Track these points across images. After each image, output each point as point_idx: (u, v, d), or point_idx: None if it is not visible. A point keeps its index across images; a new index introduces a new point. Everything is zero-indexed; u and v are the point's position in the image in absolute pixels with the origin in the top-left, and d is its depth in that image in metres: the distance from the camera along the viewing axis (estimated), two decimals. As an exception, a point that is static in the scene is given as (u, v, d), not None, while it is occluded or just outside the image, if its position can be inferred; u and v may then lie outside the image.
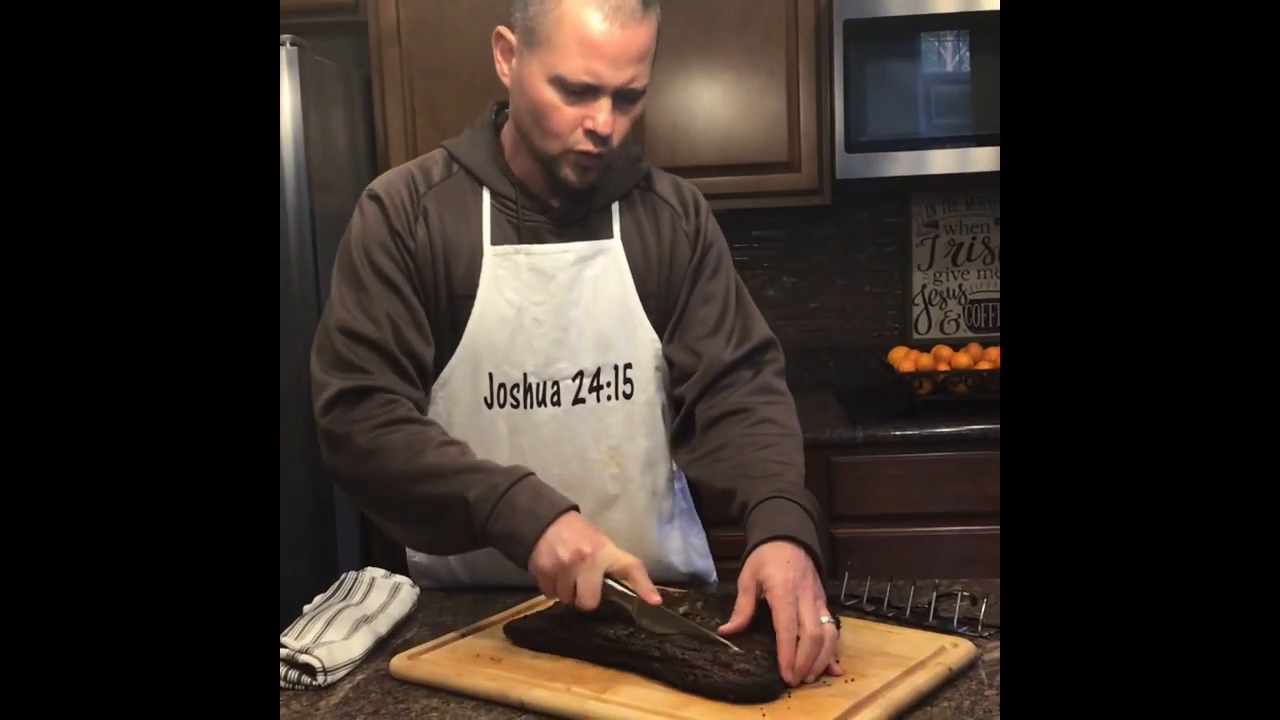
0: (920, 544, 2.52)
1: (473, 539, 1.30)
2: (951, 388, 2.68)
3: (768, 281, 3.15)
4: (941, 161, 2.66)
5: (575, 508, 1.27)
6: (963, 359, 2.81)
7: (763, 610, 1.18)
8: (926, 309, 3.14)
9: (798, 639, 1.12)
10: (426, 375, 1.43)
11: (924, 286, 3.13)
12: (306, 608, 1.40)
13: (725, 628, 1.17)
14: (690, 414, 1.47)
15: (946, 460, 2.52)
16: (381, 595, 1.42)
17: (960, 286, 3.12)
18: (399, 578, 1.47)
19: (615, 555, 1.22)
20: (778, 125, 2.76)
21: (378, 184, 1.46)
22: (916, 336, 3.13)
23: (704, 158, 2.78)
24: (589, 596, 1.20)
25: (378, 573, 1.47)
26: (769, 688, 1.09)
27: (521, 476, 1.28)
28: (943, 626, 1.28)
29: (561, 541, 1.22)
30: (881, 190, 3.04)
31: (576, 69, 1.32)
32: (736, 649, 1.13)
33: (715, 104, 2.77)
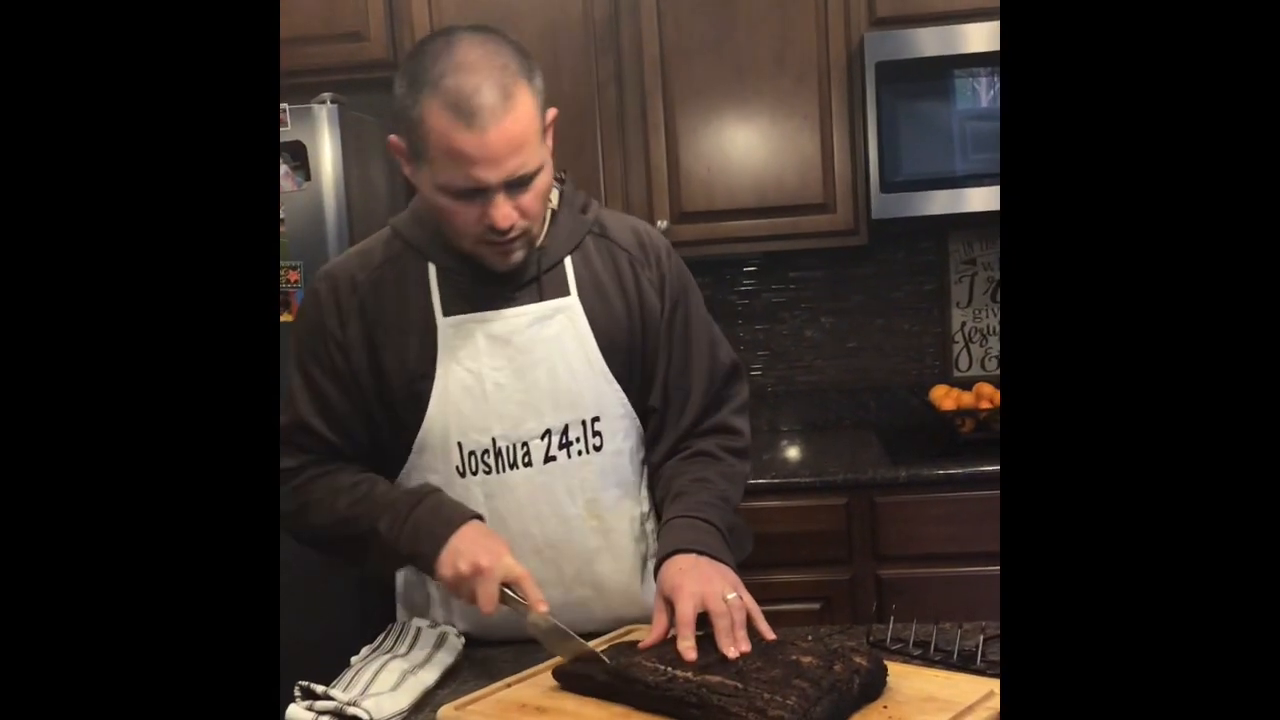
0: (967, 585, 2.49)
1: (397, 560, 1.42)
2: (994, 425, 2.66)
3: (806, 322, 3.15)
4: (978, 199, 2.66)
5: (478, 517, 1.37)
6: (1005, 396, 2.78)
7: (775, 647, 1.23)
8: (967, 346, 3.12)
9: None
10: (336, 451, 1.47)
11: (964, 324, 3.12)
12: (354, 659, 1.41)
13: (643, 644, 1.27)
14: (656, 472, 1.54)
15: (991, 499, 2.49)
16: (427, 645, 1.43)
17: (1000, 323, 3.10)
18: (445, 627, 1.47)
19: (509, 567, 1.31)
20: (812, 167, 2.77)
21: (319, 278, 1.49)
22: (957, 374, 3.12)
23: (739, 201, 2.79)
24: (487, 604, 1.30)
25: (423, 623, 1.48)
26: None
27: (422, 498, 1.39)
28: (991, 670, 1.27)
29: (459, 554, 1.32)
30: (918, 229, 3.04)
31: (456, 178, 1.32)
32: (770, 695, 1.12)
33: (750, 147, 2.79)
